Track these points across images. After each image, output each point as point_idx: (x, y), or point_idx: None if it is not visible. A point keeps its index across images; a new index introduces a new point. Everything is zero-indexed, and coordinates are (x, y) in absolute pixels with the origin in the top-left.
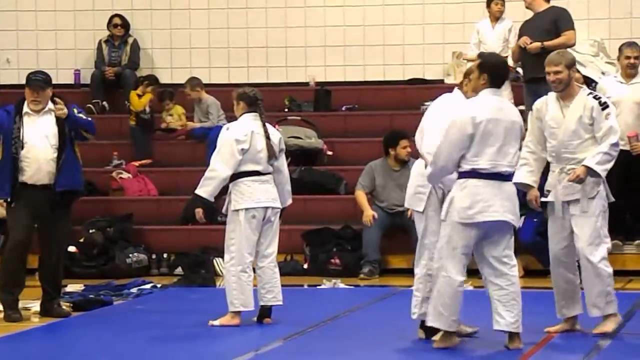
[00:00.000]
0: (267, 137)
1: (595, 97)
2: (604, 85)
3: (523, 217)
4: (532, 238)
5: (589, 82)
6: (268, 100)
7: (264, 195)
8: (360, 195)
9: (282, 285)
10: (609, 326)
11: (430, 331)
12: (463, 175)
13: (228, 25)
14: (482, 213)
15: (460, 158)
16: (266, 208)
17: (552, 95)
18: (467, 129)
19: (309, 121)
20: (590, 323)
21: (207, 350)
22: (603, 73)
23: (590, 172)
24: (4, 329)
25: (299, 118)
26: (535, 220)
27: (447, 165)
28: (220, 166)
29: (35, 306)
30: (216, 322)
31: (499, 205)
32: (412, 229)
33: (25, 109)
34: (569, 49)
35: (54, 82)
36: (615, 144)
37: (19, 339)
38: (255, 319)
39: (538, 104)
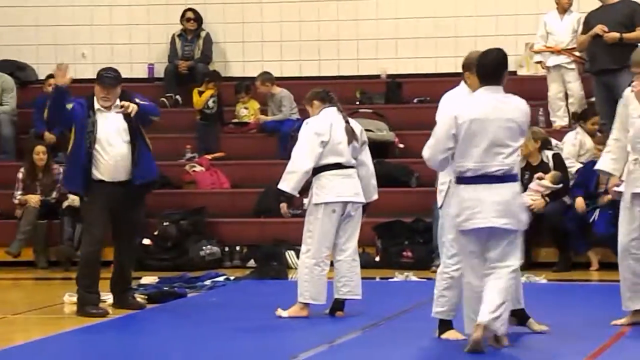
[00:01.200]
0: (347, 122)
1: None
2: None
3: (597, 210)
4: (607, 230)
5: None
6: (339, 93)
7: (345, 189)
8: None
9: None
10: None
11: (442, 328)
12: (455, 180)
13: (300, 19)
14: (469, 220)
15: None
16: (347, 203)
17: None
18: (450, 129)
19: (380, 114)
20: None
21: (280, 342)
22: None
23: None
24: (79, 320)
25: (370, 111)
26: (610, 212)
27: (433, 164)
28: (301, 159)
29: (111, 298)
30: (284, 313)
31: (489, 210)
32: None
33: (96, 105)
34: None
35: (127, 76)
36: None
37: (94, 330)
38: (327, 311)
39: (628, 91)
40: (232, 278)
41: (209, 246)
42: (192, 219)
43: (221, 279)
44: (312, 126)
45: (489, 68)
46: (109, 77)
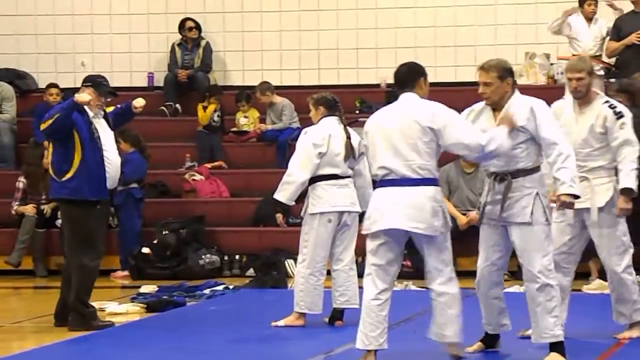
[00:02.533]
0: (348, 137)
1: (610, 106)
2: None
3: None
4: None
5: None
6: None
7: (341, 199)
8: (446, 203)
9: None
10: (635, 333)
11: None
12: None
13: (299, 28)
14: (376, 222)
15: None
16: (343, 212)
17: (569, 99)
18: (364, 141)
19: None
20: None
21: (279, 352)
22: None
23: (630, 192)
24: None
25: None
26: None
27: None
28: (297, 170)
29: (110, 307)
30: (280, 323)
31: (398, 213)
32: None
33: (89, 112)
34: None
35: (127, 85)
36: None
37: (92, 340)
38: (326, 320)
39: (556, 105)
40: (231, 287)
41: (208, 255)
42: (192, 227)
43: (220, 287)
44: (310, 137)
45: (400, 76)
46: (107, 87)
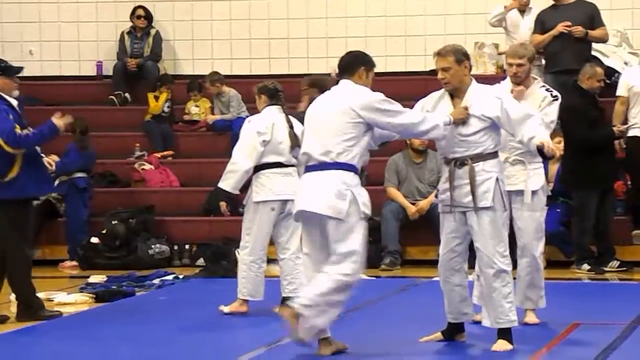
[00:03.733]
0: (290, 127)
1: (547, 90)
2: (628, 76)
3: (546, 208)
4: (555, 228)
5: (612, 73)
6: (289, 92)
7: (285, 187)
8: (394, 193)
9: None
10: (534, 319)
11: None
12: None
13: (249, 17)
14: (294, 207)
15: None
16: (286, 201)
17: (506, 85)
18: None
19: None
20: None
21: (226, 342)
22: (626, 63)
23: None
24: (20, 322)
25: None
26: (558, 210)
27: None
28: (241, 159)
29: (59, 297)
30: (226, 309)
31: (307, 196)
32: (432, 220)
33: (13, 101)
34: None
35: (76, 73)
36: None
37: (41, 330)
38: (277, 309)
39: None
40: (181, 277)
41: (157, 245)
42: (141, 217)
43: (170, 277)
44: (254, 125)
45: (342, 63)
46: (11, 67)
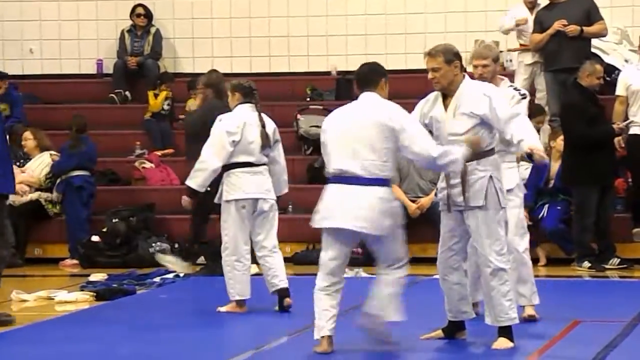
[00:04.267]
0: (263, 126)
1: (515, 89)
2: (626, 75)
3: (546, 206)
4: (556, 225)
5: (612, 70)
6: (290, 90)
7: (254, 186)
8: (395, 190)
9: (303, 274)
10: (532, 312)
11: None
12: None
13: (250, 15)
14: (325, 220)
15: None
16: (257, 200)
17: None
18: (321, 138)
19: (331, 110)
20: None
21: (225, 340)
22: (626, 61)
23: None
24: (28, 317)
25: (320, 107)
26: (558, 208)
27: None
28: (210, 157)
29: (59, 295)
30: (223, 309)
31: (347, 213)
32: (432, 217)
33: None
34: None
35: (76, 72)
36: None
37: (42, 328)
38: (276, 308)
39: None
40: (181, 275)
41: (158, 243)
42: (142, 215)
43: (170, 275)
44: (224, 124)
45: (362, 76)
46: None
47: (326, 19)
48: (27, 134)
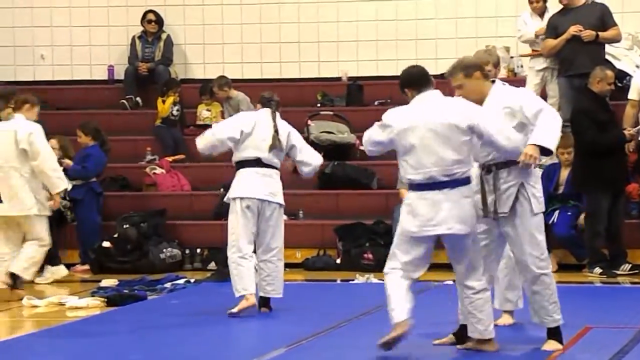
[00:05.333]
0: (275, 130)
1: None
2: (638, 79)
3: (557, 212)
4: (567, 232)
5: (624, 76)
6: (300, 96)
7: (261, 187)
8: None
9: (316, 280)
10: (510, 320)
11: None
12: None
13: (260, 21)
14: (425, 228)
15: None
16: (262, 201)
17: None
18: (384, 133)
19: (342, 116)
20: None
21: (239, 345)
22: (637, 66)
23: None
24: (40, 323)
25: (331, 113)
26: (569, 214)
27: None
28: (219, 129)
29: (70, 301)
30: (234, 310)
31: (448, 218)
32: None
33: None
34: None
35: (87, 77)
36: None
37: (53, 334)
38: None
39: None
40: (192, 280)
41: (169, 249)
42: (153, 221)
43: (181, 281)
44: (239, 116)
45: (415, 77)
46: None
47: (337, 25)
48: (53, 142)
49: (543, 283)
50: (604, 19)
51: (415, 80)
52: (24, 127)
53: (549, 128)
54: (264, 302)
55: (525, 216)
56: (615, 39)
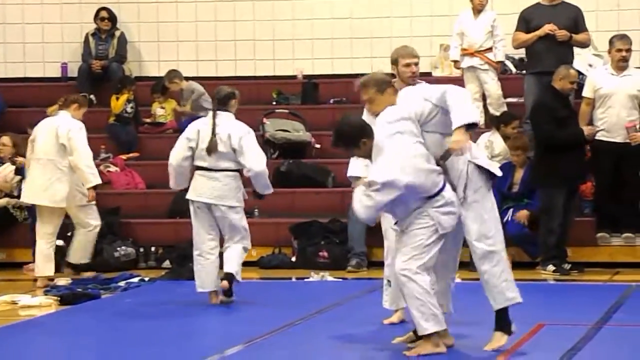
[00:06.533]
0: (213, 134)
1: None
2: (595, 77)
3: (511, 210)
4: (519, 230)
5: (577, 75)
6: (256, 94)
7: (207, 190)
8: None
9: (271, 279)
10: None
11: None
12: None
13: (215, 18)
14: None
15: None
16: (207, 204)
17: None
18: None
19: (297, 114)
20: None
21: (193, 344)
22: (590, 65)
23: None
24: None
25: (286, 111)
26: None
27: None
28: (171, 157)
29: (23, 299)
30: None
31: None
32: None
33: None
34: None
35: (40, 75)
36: None
37: (6, 333)
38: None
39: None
40: (146, 279)
41: (123, 247)
42: (107, 219)
43: (135, 280)
44: (186, 131)
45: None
46: None
47: (292, 23)
48: (6, 140)
49: (492, 260)
50: (578, 22)
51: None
52: (66, 123)
53: (460, 103)
54: (225, 277)
55: (476, 194)
56: (585, 44)
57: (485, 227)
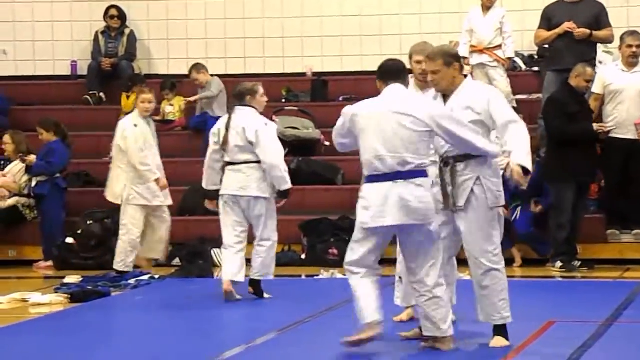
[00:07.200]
0: (226, 129)
1: None
2: (605, 73)
3: (519, 208)
4: (527, 229)
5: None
6: (265, 91)
7: (232, 183)
8: None
9: (281, 276)
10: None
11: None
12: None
13: (225, 16)
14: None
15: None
16: (234, 196)
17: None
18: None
19: (306, 112)
20: None
21: (202, 342)
22: (600, 62)
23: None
24: (2, 320)
25: (296, 109)
26: (530, 211)
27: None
28: (207, 157)
29: (33, 297)
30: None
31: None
32: None
33: None
34: None
35: (50, 73)
36: None
37: (16, 331)
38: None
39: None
40: (156, 277)
41: None
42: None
43: (145, 277)
44: (214, 128)
45: (384, 69)
46: None
47: (301, 20)
48: (6, 138)
49: (494, 278)
50: (600, 18)
51: (384, 73)
52: (122, 124)
53: (524, 145)
54: (250, 284)
55: (480, 210)
56: (608, 40)
57: (490, 242)
